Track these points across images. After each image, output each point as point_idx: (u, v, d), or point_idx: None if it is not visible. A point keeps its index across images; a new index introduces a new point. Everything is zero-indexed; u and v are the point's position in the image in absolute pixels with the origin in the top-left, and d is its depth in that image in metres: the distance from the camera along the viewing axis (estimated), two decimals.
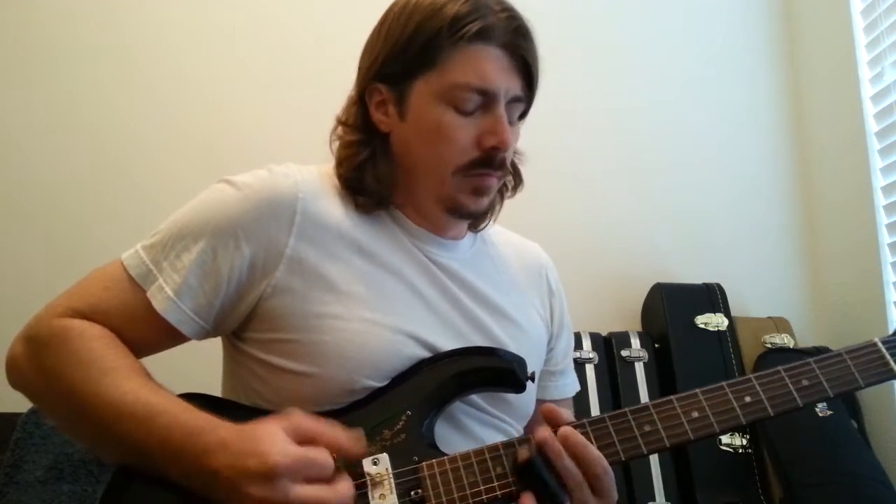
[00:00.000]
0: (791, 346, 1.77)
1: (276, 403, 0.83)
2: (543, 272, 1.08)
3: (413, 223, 0.94)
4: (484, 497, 0.75)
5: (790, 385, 0.81)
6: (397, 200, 0.93)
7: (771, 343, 1.77)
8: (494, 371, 0.87)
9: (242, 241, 0.83)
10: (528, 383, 0.88)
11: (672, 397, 0.81)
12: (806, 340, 1.88)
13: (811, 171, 2.02)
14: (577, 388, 1.12)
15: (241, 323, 0.87)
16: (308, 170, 0.92)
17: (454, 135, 0.87)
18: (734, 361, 1.74)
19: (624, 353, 1.73)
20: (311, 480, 0.68)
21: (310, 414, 0.73)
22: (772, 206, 2.03)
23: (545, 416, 0.81)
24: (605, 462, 0.76)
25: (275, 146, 1.90)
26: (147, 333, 0.83)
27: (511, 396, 0.92)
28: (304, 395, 0.82)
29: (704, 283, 1.86)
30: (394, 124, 0.91)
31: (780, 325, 1.84)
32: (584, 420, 0.80)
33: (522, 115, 0.94)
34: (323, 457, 0.69)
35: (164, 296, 0.82)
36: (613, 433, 0.79)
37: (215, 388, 0.91)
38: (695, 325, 1.77)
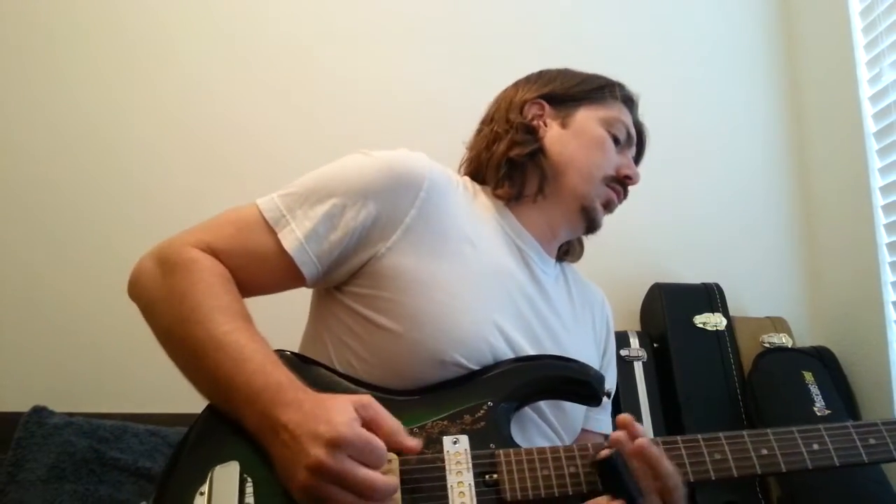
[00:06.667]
0: (789, 346, 1.78)
1: (366, 360, 0.90)
2: (606, 312, 1.21)
3: (523, 228, 1.06)
4: (555, 491, 0.79)
5: (857, 441, 0.84)
6: (540, 191, 1.06)
7: (769, 343, 1.78)
8: (577, 383, 0.93)
9: (371, 202, 0.91)
10: (605, 399, 0.97)
11: (744, 433, 0.85)
12: (804, 340, 1.89)
13: (809, 171, 2.02)
14: (611, 429, 1.15)
15: (347, 277, 0.94)
16: (436, 163, 1.00)
17: (609, 150, 1.09)
18: (732, 361, 1.74)
19: (623, 352, 1.74)
20: (365, 462, 0.72)
21: (380, 403, 0.78)
22: (770, 206, 2.04)
23: (621, 425, 0.85)
24: (677, 478, 0.80)
25: (279, 146, 1.90)
26: (267, 274, 0.91)
27: (570, 412, 0.99)
28: (395, 355, 0.88)
29: (703, 283, 1.87)
30: (551, 130, 1.09)
31: (779, 324, 1.84)
32: (658, 439, 0.84)
33: None
34: (382, 446, 0.74)
35: (294, 237, 0.89)
36: (685, 455, 0.83)
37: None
38: (693, 325, 1.78)
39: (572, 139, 1.07)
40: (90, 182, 1.91)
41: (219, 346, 0.80)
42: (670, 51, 2.09)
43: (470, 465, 0.79)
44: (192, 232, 0.91)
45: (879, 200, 1.74)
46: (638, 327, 1.88)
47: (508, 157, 1.05)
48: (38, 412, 1.46)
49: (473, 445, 0.80)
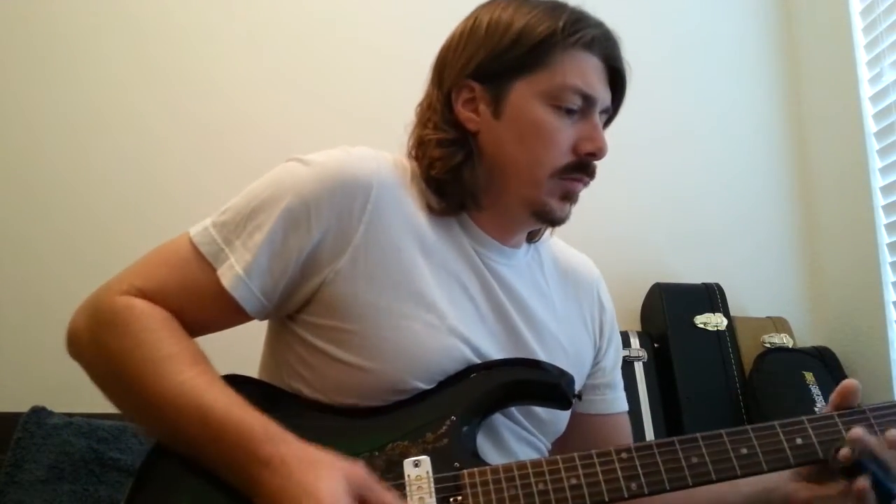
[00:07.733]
0: (790, 346, 1.77)
1: (320, 391, 0.83)
2: (594, 287, 1.07)
3: (479, 228, 0.92)
4: None
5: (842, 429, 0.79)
6: (476, 204, 0.91)
7: (770, 343, 1.78)
8: (543, 385, 0.87)
9: (313, 222, 0.82)
10: (574, 401, 0.88)
11: (722, 432, 0.79)
12: (805, 340, 1.88)
13: (810, 171, 2.02)
14: (627, 406, 1.07)
15: (299, 306, 0.86)
16: (384, 157, 0.90)
17: (554, 137, 0.87)
18: (733, 361, 1.74)
19: (623, 352, 1.73)
20: None
21: (370, 475, 0.71)
22: (771, 206, 2.03)
23: (846, 392, 0.80)
24: None
25: (294, 141, 1.88)
26: (210, 312, 0.83)
27: (545, 415, 0.92)
28: (350, 387, 0.82)
29: (703, 283, 1.87)
30: (484, 123, 0.89)
31: (780, 324, 1.84)
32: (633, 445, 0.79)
33: (605, 126, 0.95)
34: None
35: (233, 273, 0.81)
36: (661, 460, 0.77)
37: (249, 370, 0.91)
38: (694, 325, 1.78)
39: (507, 132, 0.88)
40: (108, 180, 1.90)
41: (175, 400, 0.73)
42: (670, 51, 2.09)
43: (432, 489, 0.74)
44: (122, 278, 0.83)
45: (880, 200, 1.74)
46: (638, 327, 1.88)
47: (430, 176, 0.89)
48: (37, 412, 1.46)
49: (437, 467, 0.75)
